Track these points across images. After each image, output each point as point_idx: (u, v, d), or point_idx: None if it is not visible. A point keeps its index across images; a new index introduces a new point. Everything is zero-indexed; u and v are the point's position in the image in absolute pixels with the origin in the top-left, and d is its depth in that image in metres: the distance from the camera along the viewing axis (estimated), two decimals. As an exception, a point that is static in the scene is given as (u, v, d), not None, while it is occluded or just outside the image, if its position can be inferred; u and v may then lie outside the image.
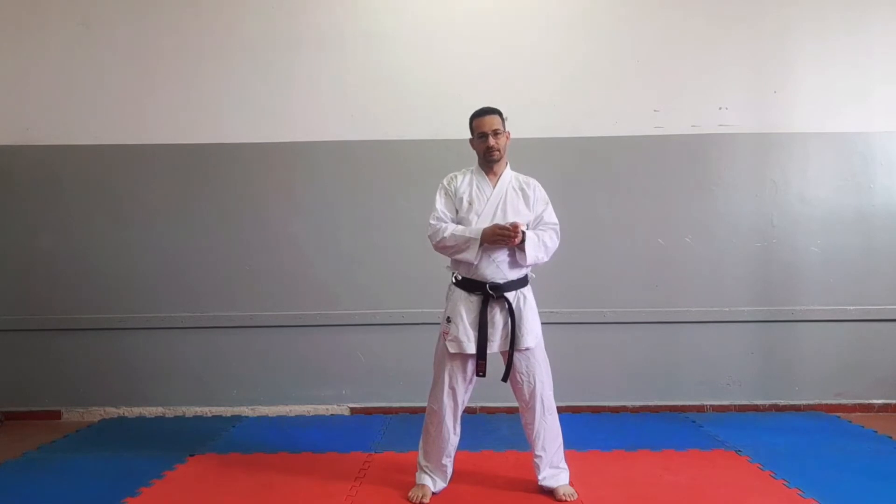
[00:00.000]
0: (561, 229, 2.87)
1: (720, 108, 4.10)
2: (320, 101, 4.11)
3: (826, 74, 4.10)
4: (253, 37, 4.11)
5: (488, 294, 2.74)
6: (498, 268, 2.76)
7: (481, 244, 2.70)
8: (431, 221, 2.82)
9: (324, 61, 4.11)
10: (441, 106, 4.02)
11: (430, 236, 2.82)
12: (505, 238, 2.66)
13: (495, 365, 2.79)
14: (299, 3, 4.11)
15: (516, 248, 2.75)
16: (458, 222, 2.82)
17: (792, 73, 4.11)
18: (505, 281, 2.77)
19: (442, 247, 2.79)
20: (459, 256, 2.75)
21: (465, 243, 2.72)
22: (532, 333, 2.80)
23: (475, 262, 2.73)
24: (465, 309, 2.76)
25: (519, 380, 2.81)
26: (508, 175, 2.87)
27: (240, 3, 4.12)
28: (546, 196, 2.91)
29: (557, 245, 2.86)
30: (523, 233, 2.71)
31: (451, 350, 2.76)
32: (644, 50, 4.11)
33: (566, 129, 4.07)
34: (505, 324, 2.77)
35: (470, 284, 2.78)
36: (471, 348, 2.74)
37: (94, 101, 4.11)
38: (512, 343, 2.75)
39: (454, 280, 2.81)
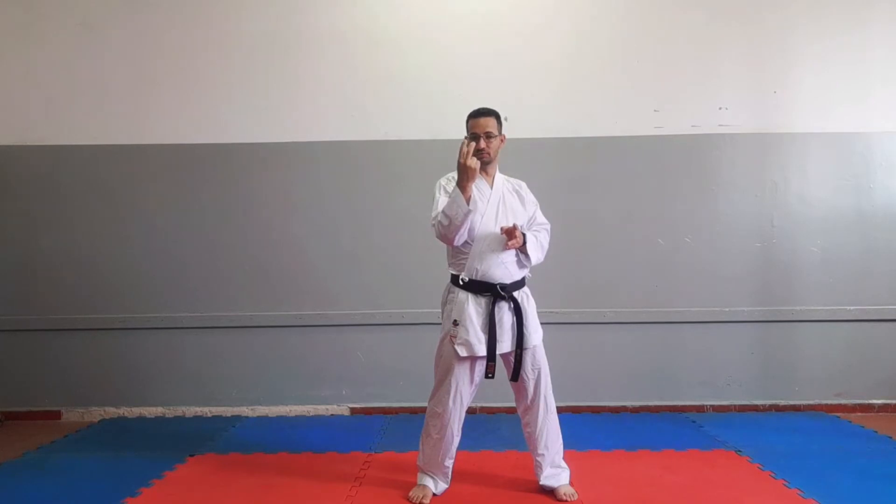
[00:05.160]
0: (561, 229, 2.88)
1: (720, 108, 4.10)
2: (320, 101, 4.11)
3: (826, 74, 4.10)
4: (253, 37, 4.11)
5: (497, 295, 2.73)
6: (507, 269, 2.76)
7: (462, 189, 2.58)
8: (433, 223, 2.72)
9: (324, 61, 4.11)
10: (441, 106, 4.02)
11: (437, 237, 2.73)
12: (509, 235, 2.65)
13: (498, 366, 2.79)
14: (299, 4, 4.11)
15: (518, 250, 2.76)
16: None
17: (792, 73, 4.12)
18: (512, 281, 2.77)
19: (445, 233, 2.66)
20: (458, 218, 2.59)
21: (453, 205, 2.59)
22: (537, 332, 2.83)
23: (470, 209, 2.60)
24: (474, 311, 2.74)
25: (525, 377, 2.81)
26: (500, 176, 2.87)
27: (240, 4, 4.12)
28: (535, 198, 2.92)
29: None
30: (524, 235, 2.72)
31: (462, 354, 2.72)
32: (644, 50, 4.11)
33: (566, 129, 4.07)
34: (512, 324, 2.76)
35: (478, 286, 2.75)
36: (481, 350, 2.72)
37: (94, 101, 4.11)
38: (519, 342, 2.75)
39: (461, 283, 2.76)
